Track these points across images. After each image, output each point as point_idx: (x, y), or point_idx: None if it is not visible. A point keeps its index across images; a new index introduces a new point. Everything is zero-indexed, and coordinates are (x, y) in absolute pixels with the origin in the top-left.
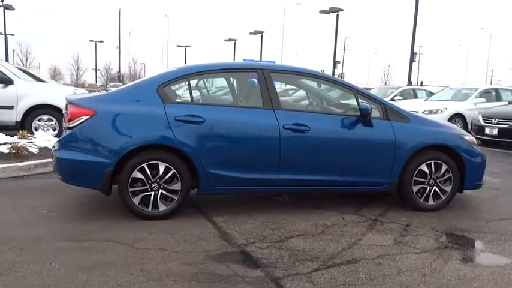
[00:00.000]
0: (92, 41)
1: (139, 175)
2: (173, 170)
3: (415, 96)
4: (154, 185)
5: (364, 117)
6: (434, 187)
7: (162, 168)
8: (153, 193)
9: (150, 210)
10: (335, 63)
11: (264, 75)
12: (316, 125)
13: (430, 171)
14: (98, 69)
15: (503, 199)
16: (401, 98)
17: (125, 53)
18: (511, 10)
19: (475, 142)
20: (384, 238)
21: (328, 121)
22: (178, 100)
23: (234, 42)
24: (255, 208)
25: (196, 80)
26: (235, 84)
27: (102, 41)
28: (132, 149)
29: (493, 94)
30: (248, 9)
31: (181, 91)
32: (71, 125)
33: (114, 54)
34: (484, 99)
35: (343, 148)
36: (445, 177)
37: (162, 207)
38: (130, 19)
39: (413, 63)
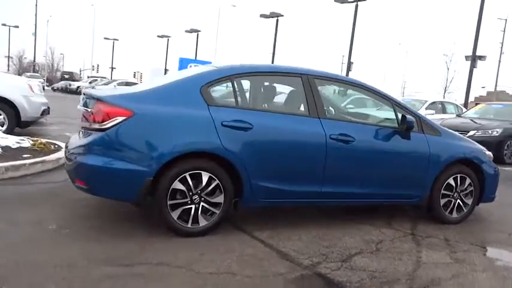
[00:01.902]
0: (5, 25)
1: (180, 186)
2: (216, 181)
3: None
4: (195, 197)
5: (408, 129)
6: (458, 200)
7: (205, 179)
8: (193, 206)
9: (189, 225)
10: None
11: (309, 81)
12: (359, 135)
13: (456, 185)
14: (11, 57)
15: (503, 210)
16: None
17: (41, 42)
18: (426, 28)
19: (492, 157)
20: (439, 255)
21: (370, 132)
22: (222, 103)
23: (167, 39)
24: (289, 222)
25: (241, 82)
26: (279, 88)
27: (17, 26)
28: (174, 156)
29: (439, 106)
30: (183, 7)
31: (225, 93)
32: (102, 127)
33: (29, 41)
34: (433, 111)
35: (383, 160)
36: (467, 191)
37: (203, 222)
38: (51, 5)
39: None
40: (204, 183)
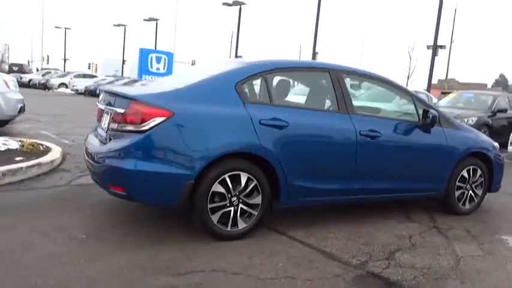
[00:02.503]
0: None
1: (220, 188)
2: (254, 182)
3: None
4: (234, 199)
5: (431, 124)
6: (470, 191)
7: (243, 180)
8: (232, 209)
9: (228, 228)
10: (237, 57)
11: (337, 76)
12: (385, 131)
13: (469, 177)
14: None
15: (501, 199)
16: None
17: None
18: (386, 23)
19: (498, 147)
20: (470, 248)
21: (393, 127)
22: (256, 100)
23: (124, 28)
24: (317, 219)
25: (272, 78)
26: (309, 84)
27: None
28: (216, 158)
29: None
30: None
31: (257, 89)
32: (140, 128)
33: None
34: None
35: (408, 155)
36: (478, 182)
37: (242, 224)
38: None
39: None
40: (242, 184)
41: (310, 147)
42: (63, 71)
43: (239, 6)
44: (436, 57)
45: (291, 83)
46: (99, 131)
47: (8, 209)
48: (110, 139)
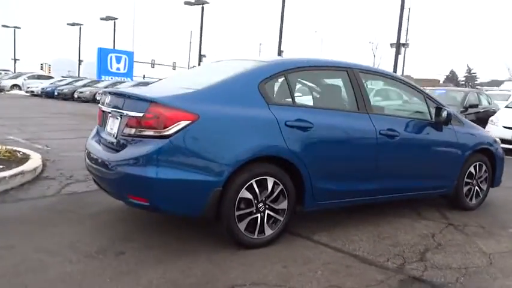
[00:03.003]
0: None
1: (247, 194)
2: (280, 186)
3: None
4: (261, 205)
5: (446, 122)
6: (476, 187)
7: (270, 185)
8: (259, 215)
9: (255, 236)
10: (200, 56)
11: (355, 75)
12: (402, 130)
13: (475, 172)
14: None
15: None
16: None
17: None
18: (341, 16)
19: (500, 142)
20: (493, 244)
21: (409, 125)
22: (279, 101)
23: (79, 27)
24: (335, 221)
25: (293, 77)
26: (329, 83)
27: None
28: (244, 163)
29: None
30: None
31: (279, 89)
32: (163, 133)
33: None
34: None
35: (423, 153)
36: (483, 177)
37: (268, 231)
38: None
39: None
40: (269, 189)
41: (333, 148)
42: (13, 71)
43: (201, 6)
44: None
45: (313, 82)
46: (104, 135)
47: (0, 225)
48: (124, 145)
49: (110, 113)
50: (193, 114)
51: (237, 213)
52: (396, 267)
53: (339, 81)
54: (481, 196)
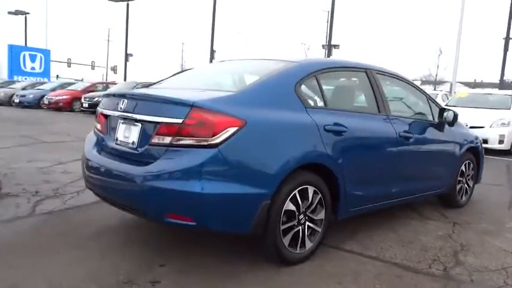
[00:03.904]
0: None
1: (291, 206)
2: (319, 195)
3: None
4: (301, 217)
5: (452, 123)
6: (465, 184)
7: (310, 194)
8: (300, 228)
9: (298, 250)
10: (127, 55)
11: (373, 76)
12: (414, 131)
13: (466, 170)
14: None
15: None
16: None
17: None
18: (265, 17)
19: (482, 141)
20: (506, 241)
21: (418, 127)
22: (314, 104)
23: None
24: (354, 227)
25: (322, 78)
26: (351, 84)
27: None
28: (290, 171)
29: None
30: None
31: (311, 92)
32: (211, 142)
33: None
34: None
35: (430, 154)
36: (470, 175)
37: (308, 244)
38: None
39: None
40: (310, 199)
41: (363, 152)
42: None
43: (127, 3)
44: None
45: (337, 83)
46: (111, 144)
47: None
48: (154, 156)
49: (121, 118)
50: (240, 120)
51: (282, 227)
52: (442, 273)
53: (359, 82)
54: (469, 193)
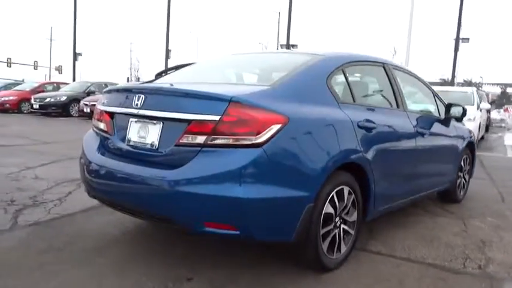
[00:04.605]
0: None
1: (330, 209)
2: (353, 196)
3: None
4: (337, 219)
5: (461, 118)
6: (463, 179)
7: (346, 195)
8: (336, 231)
9: (334, 256)
10: (76, 54)
11: (391, 70)
12: (428, 127)
13: (464, 165)
14: None
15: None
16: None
17: None
18: (216, 16)
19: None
20: None
21: (430, 123)
22: (344, 99)
23: None
24: (377, 228)
25: (349, 73)
26: (372, 79)
27: None
28: (331, 171)
29: None
30: None
31: (340, 86)
32: (254, 141)
33: None
34: None
35: (441, 149)
36: (467, 169)
37: (343, 248)
38: None
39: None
40: (345, 200)
41: (388, 148)
42: None
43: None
44: None
45: (360, 78)
46: (122, 145)
47: None
48: (183, 158)
49: (132, 116)
50: (284, 117)
51: (322, 231)
52: (480, 272)
53: (380, 77)
54: (465, 188)
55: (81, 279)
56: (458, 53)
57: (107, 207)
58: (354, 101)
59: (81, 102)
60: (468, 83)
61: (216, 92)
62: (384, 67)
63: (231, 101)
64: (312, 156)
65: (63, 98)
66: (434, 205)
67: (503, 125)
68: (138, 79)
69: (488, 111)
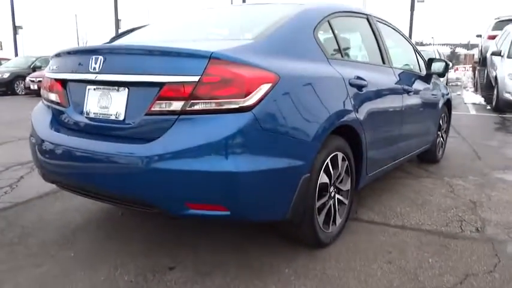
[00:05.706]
0: None
1: (325, 178)
2: (346, 162)
3: None
4: (331, 189)
5: (443, 74)
6: (441, 138)
7: (340, 162)
8: (331, 202)
9: (330, 229)
10: (15, 28)
11: (375, 23)
12: (412, 85)
13: (442, 124)
14: None
15: None
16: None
17: None
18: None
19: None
20: (506, 193)
21: (413, 80)
22: (333, 54)
23: None
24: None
25: (335, 24)
26: (356, 33)
27: None
28: (326, 136)
29: None
30: None
31: (327, 40)
32: (243, 104)
33: None
34: None
35: (424, 108)
36: (445, 128)
37: (338, 220)
38: None
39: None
40: (339, 167)
41: (378, 108)
42: None
43: None
44: None
45: (345, 31)
46: (80, 118)
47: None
48: (157, 130)
49: (90, 83)
50: (273, 75)
51: (317, 204)
52: (478, 235)
53: (364, 31)
54: (443, 147)
55: (41, 279)
56: (414, 12)
57: (66, 192)
58: (342, 57)
59: (27, 79)
60: (420, 44)
61: (192, 48)
62: (368, 19)
63: (211, 57)
64: (306, 120)
65: (6, 75)
66: (414, 166)
67: (459, 83)
68: None
69: None
